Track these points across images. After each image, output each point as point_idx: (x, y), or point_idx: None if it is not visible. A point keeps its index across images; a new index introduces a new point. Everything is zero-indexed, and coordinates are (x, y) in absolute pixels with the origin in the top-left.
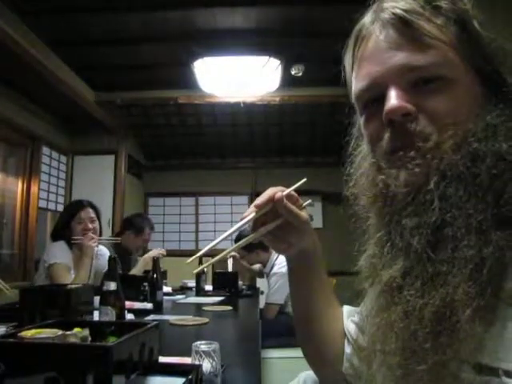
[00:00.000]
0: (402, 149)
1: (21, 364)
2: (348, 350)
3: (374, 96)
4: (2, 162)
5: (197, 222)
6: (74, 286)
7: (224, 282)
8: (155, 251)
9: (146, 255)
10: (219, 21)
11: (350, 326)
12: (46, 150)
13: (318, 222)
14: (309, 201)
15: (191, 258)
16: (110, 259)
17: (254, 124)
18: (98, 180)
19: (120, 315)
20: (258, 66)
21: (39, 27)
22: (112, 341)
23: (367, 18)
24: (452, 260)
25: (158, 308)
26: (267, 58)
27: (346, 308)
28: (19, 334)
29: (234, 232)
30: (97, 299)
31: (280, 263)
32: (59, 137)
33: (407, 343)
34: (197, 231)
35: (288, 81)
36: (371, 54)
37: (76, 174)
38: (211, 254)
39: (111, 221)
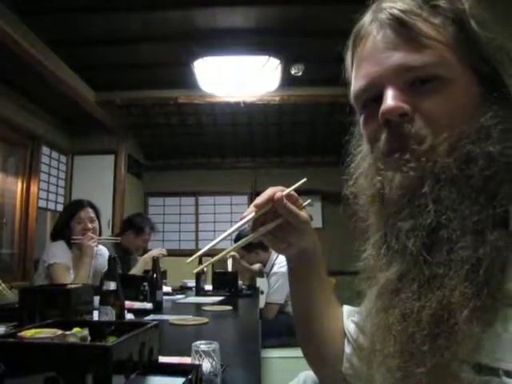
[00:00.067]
0: (398, 150)
1: (20, 364)
2: (348, 349)
3: (372, 96)
4: (2, 161)
5: (197, 222)
6: (73, 285)
7: (224, 282)
8: (156, 251)
9: (146, 255)
10: (219, 20)
11: (349, 325)
12: (45, 149)
13: (317, 222)
14: (308, 201)
15: (191, 258)
16: (110, 259)
17: (254, 124)
18: (98, 180)
19: (120, 315)
20: (257, 65)
21: (39, 27)
22: (112, 341)
23: (366, 18)
24: (448, 262)
25: (158, 308)
26: (267, 57)
27: (346, 308)
28: (19, 334)
29: (233, 232)
30: (96, 299)
31: (280, 263)
32: (59, 137)
33: (405, 346)
34: (197, 231)
35: (288, 80)
36: (369, 54)
37: (76, 173)
38: (211, 253)
39: (111, 221)
